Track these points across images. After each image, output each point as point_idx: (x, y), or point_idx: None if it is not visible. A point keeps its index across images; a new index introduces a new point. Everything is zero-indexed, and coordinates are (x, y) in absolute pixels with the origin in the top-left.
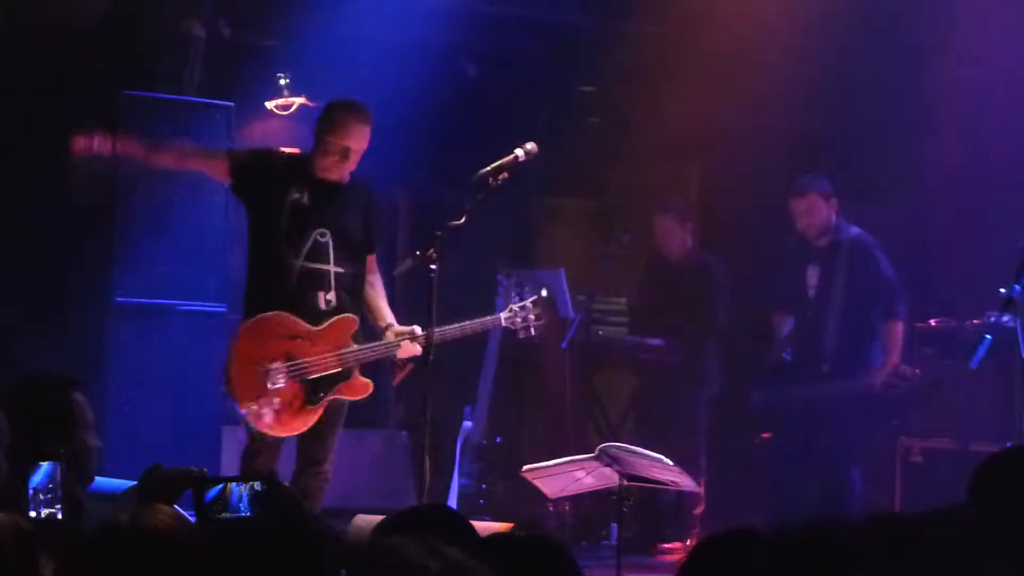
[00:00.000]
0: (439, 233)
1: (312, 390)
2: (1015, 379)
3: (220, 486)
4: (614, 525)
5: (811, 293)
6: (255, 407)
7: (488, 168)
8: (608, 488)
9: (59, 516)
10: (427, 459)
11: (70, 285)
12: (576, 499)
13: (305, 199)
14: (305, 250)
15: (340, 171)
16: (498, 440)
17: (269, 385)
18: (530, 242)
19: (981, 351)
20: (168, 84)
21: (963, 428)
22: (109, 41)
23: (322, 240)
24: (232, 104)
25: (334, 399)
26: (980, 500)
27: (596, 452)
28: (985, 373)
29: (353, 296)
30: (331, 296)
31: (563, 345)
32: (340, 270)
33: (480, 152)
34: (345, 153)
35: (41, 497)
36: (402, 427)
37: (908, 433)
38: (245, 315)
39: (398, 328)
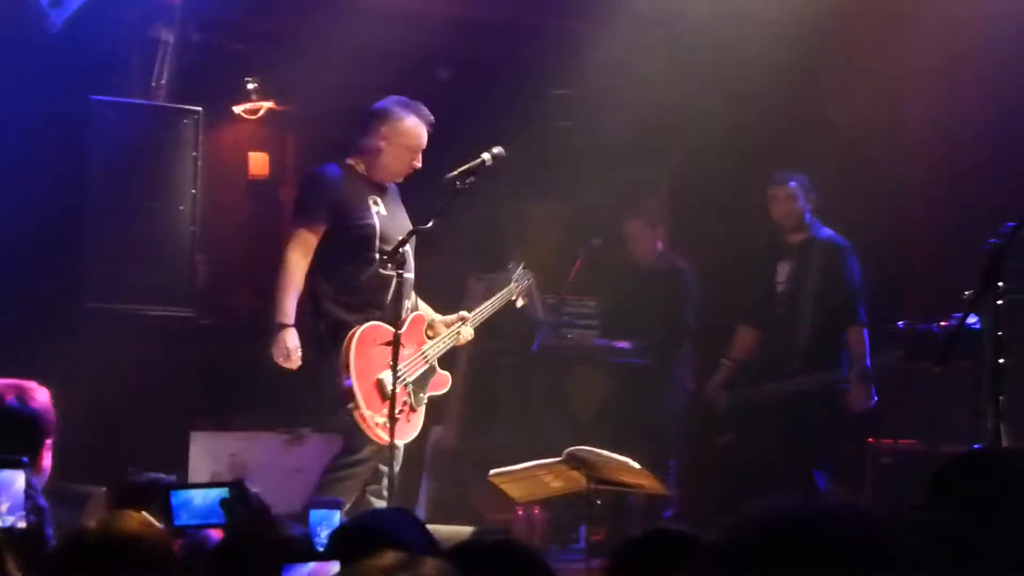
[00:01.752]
0: (407, 236)
1: (414, 392)
2: (983, 381)
3: (188, 492)
4: (583, 528)
5: (780, 288)
6: (382, 419)
7: (455, 172)
8: (576, 491)
9: (24, 524)
10: (394, 463)
11: (39, 291)
12: (545, 502)
13: (383, 209)
14: (397, 259)
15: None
16: (466, 444)
17: (387, 393)
18: (500, 245)
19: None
20: (136, 88)
21: (932, 430)
22: (76, 45)
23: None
24: (200, 109)
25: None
26: (935, 503)
27: (564, 456)
28: (953, 375)
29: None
30: (409, 303)
31: (533, 348)
32: (412, 275)
33: (449, 156)
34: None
35: (5, 505)
36: None
37: (877, 435)
38: (334, 330)
39: (447, 319)
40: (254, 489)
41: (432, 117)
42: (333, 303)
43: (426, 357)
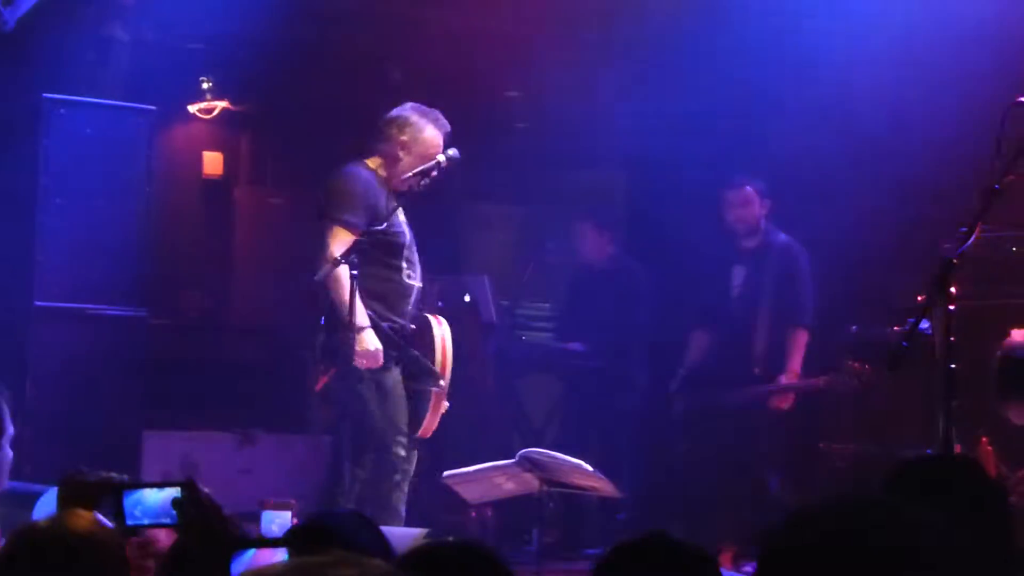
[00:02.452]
0: (360, 238)
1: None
2: (936, 385)
3: (141, 492)
4: (535, 530)
5: (735, 292)
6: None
7: (410, 173)
8: (529, 493)
9: None
10: (348, 464)
11: None
12: (498, 504)
13: (404, 217)
14: (419, 270)
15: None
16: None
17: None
18: (455, 247)
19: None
20: (90, 87)
21: (886, 434)
22: (30, 43)
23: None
24: (154, 108)
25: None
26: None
27: (517, 458)
28: (907, 379)
29: None
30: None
31: (491, 351)
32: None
33: None
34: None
35: None
36: (324, 432)
37: (831, 439)
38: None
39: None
40: (205, 489)
41: (448, 126)
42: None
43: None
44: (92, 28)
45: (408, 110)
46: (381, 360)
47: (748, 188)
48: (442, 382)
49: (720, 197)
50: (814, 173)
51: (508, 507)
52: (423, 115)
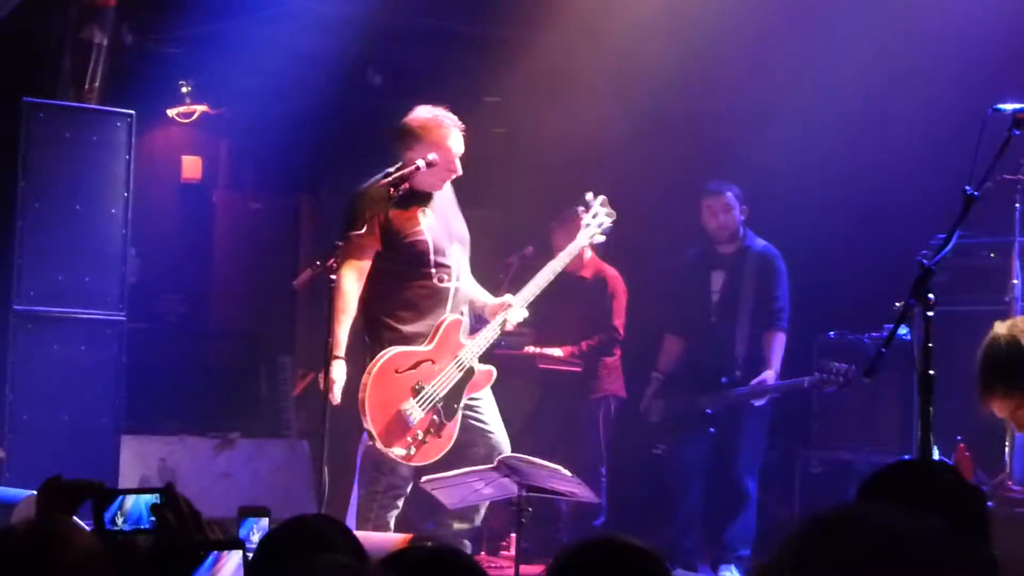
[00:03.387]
0: (339, 243)
1: (445, 405)
2: (912, 391)
3: (120, 497)
4: (513, 535)
5: (714, 298)
6: (402, 450)
7: (389, 178)
8: (507, 498)
9: None
10: (326, 469)
11: None
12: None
13: (432, 218)
14: (454, 271)
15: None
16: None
17: (409, 424)
18: None
19: (872, 363)
20: (69, 91)
21: (862, 440)
22: (8, 47)
23: (458, 255)
24: (133, 112)
25: (467, 399)
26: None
27: (495, 463)
28: (883, 385)
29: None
30: (464, 309)
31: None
32: (462, 285)
33: (383, 162)
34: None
35: None
36: (303, 437)
37: (807, 444)
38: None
39: (491, 305)
40: (184, 494)
41: (461, 123)
42: (388, 329)
43: (461, 364)
44: (71, 32)
45: (423, 114)
46: (336, 396)
47: (728, 194)
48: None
49: (699, 204)
50: (791, 178)
51: (486, 512)
52: (438, 118)
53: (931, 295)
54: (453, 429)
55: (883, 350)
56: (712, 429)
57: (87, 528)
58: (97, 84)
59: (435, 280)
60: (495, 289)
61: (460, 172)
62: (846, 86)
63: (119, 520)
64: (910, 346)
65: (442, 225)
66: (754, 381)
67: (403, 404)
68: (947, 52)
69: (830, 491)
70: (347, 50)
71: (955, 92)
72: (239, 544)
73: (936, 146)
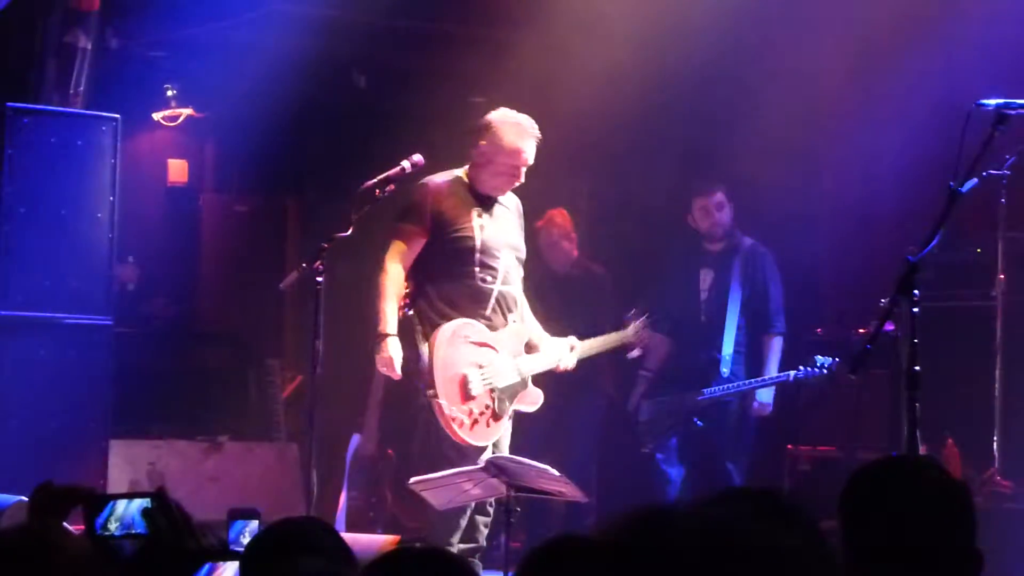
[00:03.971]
0: (326, 245)
1: (499, 400)
2: (899, 388)
3: (111, 502)
4: (502, 535)
5: (703, 296)
6: (460, 415)
7: (374, 180)
8: (496, 498)
9: None
10: (314, 472)
11: None
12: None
13: (487, 222)
14: (500, 274)
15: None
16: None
17: (471, 392)
18: None
19: (859, 359)
20: (54, 95)
21: (849, 437)
22: None
23: (509, 261)
24: (119, 116)
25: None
26: (850, 510)
27: (483, 463)
28: (871, 382)
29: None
30: (513, 316)
31: None
32: (512, 289)
33: (369, 163)
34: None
35: None
36: (292, 440)
37: (795, 441)
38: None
39: (556, 341)
40: (174, 498)
41: (538, 132)
42: (431, 309)
43: (519, 369)
44: (55, 36)
45: (496, 115)
46: (399, 372)
47: (720, 193)
48: (429, 392)
49: (690, 203)
50: (777, 174)
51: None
52: (507, 122)
53: (916, 291)
54: (501, 426)
55: (868, 346)
56: (699, 422)
57: (76, 533)
58: (82, 88)
59: (477, 280)
60: None
61: (523, 180)
62: (832, 83)
63: (112, 525)
64: (896, 342)
65: (496, 229)
66: (744, 384)
67: (468, 370)
68: (932, 49)
69: (819, 488)
70: (331, 52)
71: (941, 89)
72: (236, 555)
73: (923, 143)
